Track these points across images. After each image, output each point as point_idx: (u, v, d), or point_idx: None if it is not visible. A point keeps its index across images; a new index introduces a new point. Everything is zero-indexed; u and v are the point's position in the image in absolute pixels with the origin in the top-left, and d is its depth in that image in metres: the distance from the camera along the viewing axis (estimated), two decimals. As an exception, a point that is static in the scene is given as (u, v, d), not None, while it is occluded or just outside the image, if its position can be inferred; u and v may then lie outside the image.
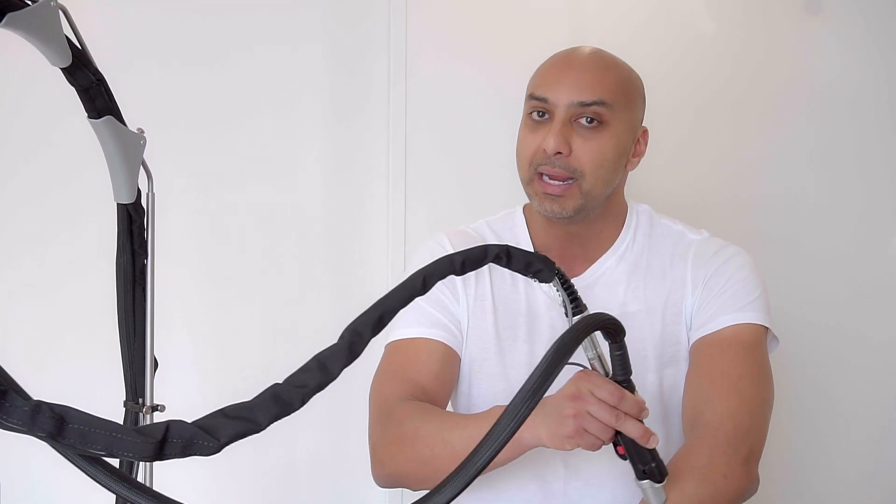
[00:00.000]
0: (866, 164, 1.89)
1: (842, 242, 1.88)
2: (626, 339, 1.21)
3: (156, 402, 1.23)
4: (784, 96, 1.87)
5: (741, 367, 1.14)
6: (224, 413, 0.56)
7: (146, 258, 1.19)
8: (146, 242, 1.20)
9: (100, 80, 1.12)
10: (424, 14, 1.78)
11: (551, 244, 1.28)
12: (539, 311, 1.24)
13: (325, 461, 1.70)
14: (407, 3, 1.76)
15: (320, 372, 0.59)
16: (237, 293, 1.74)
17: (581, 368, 0.97)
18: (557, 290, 0.87)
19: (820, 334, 1.83)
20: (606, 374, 0.94)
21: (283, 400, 0.57)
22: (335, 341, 0.61)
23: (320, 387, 0.59)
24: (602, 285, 1.25)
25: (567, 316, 0.88)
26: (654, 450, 0.95)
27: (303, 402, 0.58)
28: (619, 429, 0.94)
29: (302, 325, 1.73)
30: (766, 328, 1.20)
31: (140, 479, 1.25)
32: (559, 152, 1.15)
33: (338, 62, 1.77)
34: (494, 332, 1.23)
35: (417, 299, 1.25)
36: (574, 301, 0.88)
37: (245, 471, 1.71)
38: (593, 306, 1.24)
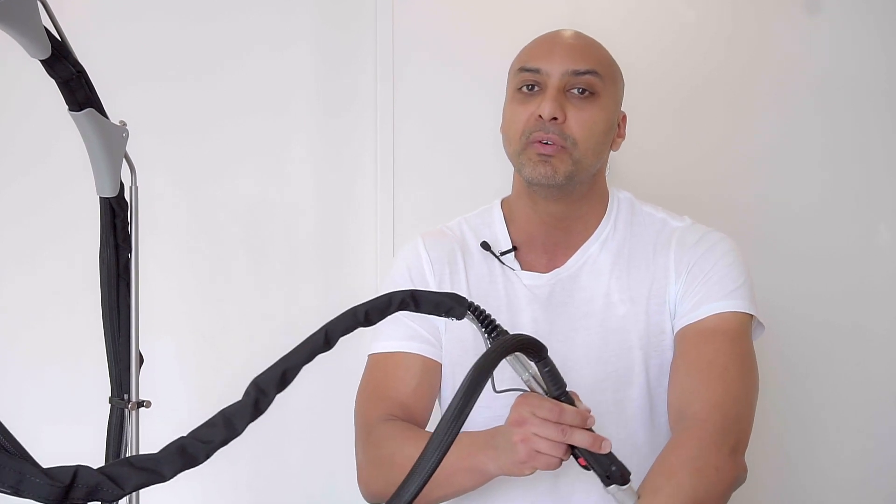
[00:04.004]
0: (858, 157, 1.87)
1: (833, 237, 1.85)
2: (611, 329, 1.19)
3: (142, 397, 1.22)
4: (776, 88, 1.84)
5: (726, 356, 1.12)
6: (131, 462, 0.58)
7: (130, 253, 1.18)
8: (130, 237, 1.19)
9: (80, 72, 1.10)
10: (411, 12, 1.77)
11: (534, 233, 1.25)
12: (520, 305, 1.22)
13: (314, 474, 1.69)
14: (394, 2, 1.75)
15: (226, 428, 0.61)
16: (224, 288, 1.73)
17: (521, 393, 0.96)
18: (473, 323, 0.85)
19: (810, 329, 1.82)
20: (546, 393, 0.93)
21: (188, 454, 0.59)
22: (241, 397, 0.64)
23: (224, 442, 0.61)
24: (586, 274, 1.22)
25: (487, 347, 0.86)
26: (610, 454, 0.94)
27: (207, 457, 0.60)
28: (567, 442, 0.93)
29: (289, 320, 1.72)
30: (752, 315, 1.18)
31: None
32: (555, 118, 1.15)
33: (326, 61, 1.76)
34: (473, 332, 1.21)
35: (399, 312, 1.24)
36: (494, 331, 0.85)
37: (235, 480, 1.70)
38: (578, 296, 1.23)
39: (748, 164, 1.83)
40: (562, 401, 0.93)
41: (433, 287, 1.23)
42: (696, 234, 1.23)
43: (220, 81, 1.73)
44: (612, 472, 0.93)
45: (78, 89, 1.11)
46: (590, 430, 0.94)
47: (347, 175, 1.76)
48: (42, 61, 1.08)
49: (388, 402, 1.19)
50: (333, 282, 1.73)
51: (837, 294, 1.83)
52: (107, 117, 1.17)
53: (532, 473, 0.98)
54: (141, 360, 1.23)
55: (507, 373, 0.91)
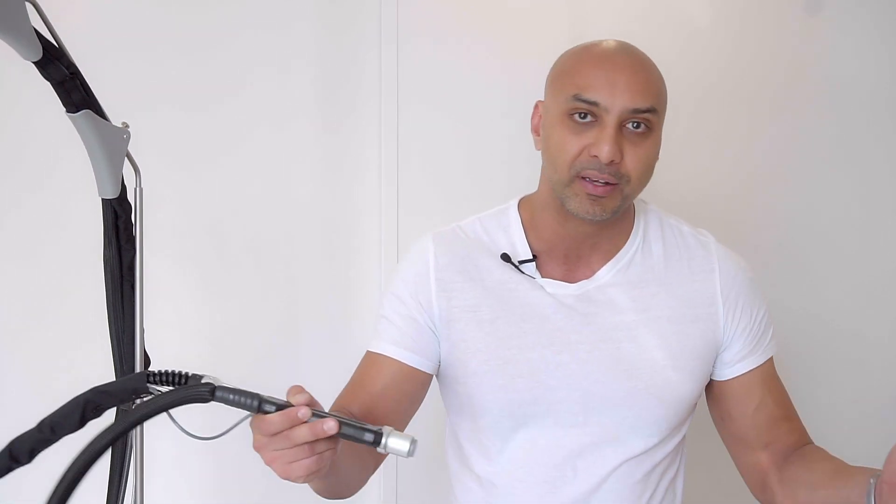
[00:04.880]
0: (866, 160, 1.81)
1: (834, 237, 1.82)
2: (644, 345, 1.14)
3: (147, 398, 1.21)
4: (784, 91, 1.78)
5: (788, 397, 1.24)
6: None
7: (134, 254, 1.17)
8: (133, 238, 1.18)
9: (74, 74, 1.09)
10: (417, 4, 1.75)
11: (556, 244, 1.19)
12: (545, 313, 1.17)
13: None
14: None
15: None
16: (228, 288, 1.72)
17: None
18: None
19: (811, 329, 1.79)
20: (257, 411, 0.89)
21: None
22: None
23: None
24: (618, 286, 1.16)
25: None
26: (349, 424, 0.89)
27: None
28: (295, 445, 0.88)
29: (292, 321, 1.71)
30: None
31: (130, 484, 1.24)
32: (613, 160, 1.09)
33: (328, 56, 1.74)
34: (496, 343, 1.17)
35: (392, 314, 1.22)
36: (183, 380, 0.86)
37: (233, 474, 1.70)
38: (608, 308, 1.16)
39: (753, 168, 1.82)
40: (262, 412, 0.88)
41: (434, 296, 1.20)
42: (733, 264, 1.21)
43: (217, 68, 1.71)
44: (365, 436, 0.89)
45: (73, 91, 1.10)
46: (321, 413, 0.88)
47: (351, 174, 1.75)
48: (35, 63, 1.07)
49: (351, 395, 1.17)
50: (336, 283, 1.72)
51: (838, 294, 1.82)
52: (106, 118, 1.16)
53: (312, 478, 0.92)
54: (147, 360, 1.22)
55: None
